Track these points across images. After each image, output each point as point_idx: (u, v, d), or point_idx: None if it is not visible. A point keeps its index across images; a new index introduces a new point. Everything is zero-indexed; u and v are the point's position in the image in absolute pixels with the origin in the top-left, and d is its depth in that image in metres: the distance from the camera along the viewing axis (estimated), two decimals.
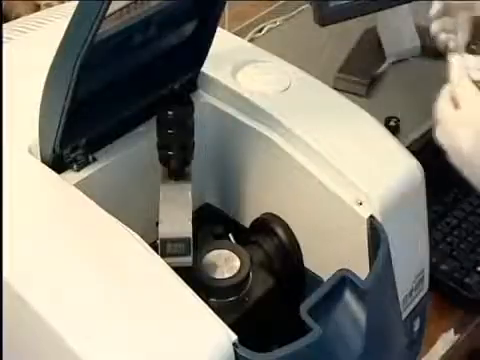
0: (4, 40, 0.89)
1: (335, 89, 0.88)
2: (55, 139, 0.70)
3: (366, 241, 0.74)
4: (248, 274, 0.75)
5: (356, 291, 0.68)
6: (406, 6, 1.25)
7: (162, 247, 0.73)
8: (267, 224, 0.82)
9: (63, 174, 0.73)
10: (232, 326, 0.62)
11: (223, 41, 0.84)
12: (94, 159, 0.76)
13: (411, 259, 0.81)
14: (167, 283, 0.64)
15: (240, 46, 0.91)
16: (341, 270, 0.69)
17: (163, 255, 0.72)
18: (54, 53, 0.65)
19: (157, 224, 0.74)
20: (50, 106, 0.68)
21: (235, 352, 0.61)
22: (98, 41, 0.64)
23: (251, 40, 1.37)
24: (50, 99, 0.68)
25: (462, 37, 0.94)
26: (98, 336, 0.60)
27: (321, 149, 0.77)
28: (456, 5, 0.94)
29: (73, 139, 0.73)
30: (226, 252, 0.77)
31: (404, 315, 0.81)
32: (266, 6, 1.49)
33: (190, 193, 0.76)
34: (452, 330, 0.97)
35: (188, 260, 0.73)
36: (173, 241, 0.73)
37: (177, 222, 0.73)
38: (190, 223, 0.73)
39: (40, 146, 0.72)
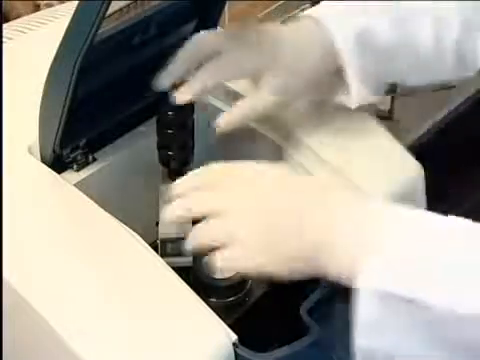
0: (4, 40, 0.89)
1: None
2: (55, 139, 0.70)
3: None
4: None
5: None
6: None
7: (162, 247, 0.73)
8: None
9: (63, 174, 0.73)
10: (232, 326, 0.62)
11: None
12: (94, 159, 0.76)
13: None
14: (167, 283, 0.64)
15: None
16: None
17: (163, 255, 0.72)
18: (54, 53, 0.65)
19: (157, 224, 0.74)
20: (50, 106, 0.68)
21: (235, 352, 0.61)
22: (98, 41, 0.64)
23: None
24: (50, 99, 0.68)
25: None
26: (98, 336, 0.60)
27: (321, 149, 0.77)
28: None
29: (73, 139, 0.73)
30: None
31: None
32: (266, 6, 1.49)
33: None
34: None
35: (188, 260, 0.73)
36: (173, 241, 0.73)
37: (177, 222, 0.73)
38: (190, 223, 0.73)
39: (40, 146, 0.72)
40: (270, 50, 0.75)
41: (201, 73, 0.74)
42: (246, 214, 0.61)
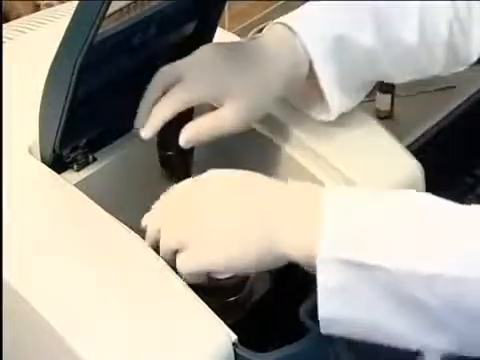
0: (4, 40, 0.89)
1: None
2: (55, 139, 0.70)
3: None
4: (248, 274, 0.75)
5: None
6: None
7: None
8: None
9: (63, 174, 0.73)
10: (232, 326, 0.62)
11: (223, 41, 0.84)
12: (94, 159, 0.76)
13: None
14: (167, 283, 0.64)
15: None
16: None
17: None
18: (54, 53, 0.65)
19: None
20: (50, 106, 0.68)
21: (235, 352, 0.61)
22: (98, 41, 0.64)
23: None
24: (50, 99, 0.68)
25: None
26: (98, 336, 0.60)
27: (321, 150, 0.77)
28: None
29: (73, 139, 0.73)
30: None
31: None
32: (266, 6, 1.49)
33: None
34: None
35: None
36: None
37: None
38: None
39: (40, 146, 0.72)
40: (235, 67, 0.73)
41: (158, 107, 0.73)
42: (194, 216, 0.63)
